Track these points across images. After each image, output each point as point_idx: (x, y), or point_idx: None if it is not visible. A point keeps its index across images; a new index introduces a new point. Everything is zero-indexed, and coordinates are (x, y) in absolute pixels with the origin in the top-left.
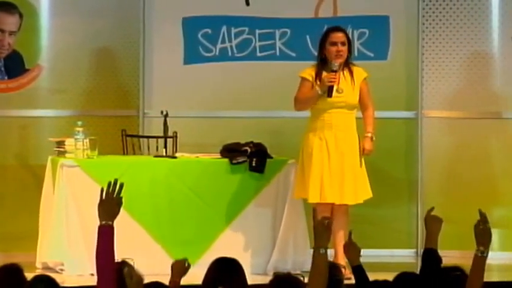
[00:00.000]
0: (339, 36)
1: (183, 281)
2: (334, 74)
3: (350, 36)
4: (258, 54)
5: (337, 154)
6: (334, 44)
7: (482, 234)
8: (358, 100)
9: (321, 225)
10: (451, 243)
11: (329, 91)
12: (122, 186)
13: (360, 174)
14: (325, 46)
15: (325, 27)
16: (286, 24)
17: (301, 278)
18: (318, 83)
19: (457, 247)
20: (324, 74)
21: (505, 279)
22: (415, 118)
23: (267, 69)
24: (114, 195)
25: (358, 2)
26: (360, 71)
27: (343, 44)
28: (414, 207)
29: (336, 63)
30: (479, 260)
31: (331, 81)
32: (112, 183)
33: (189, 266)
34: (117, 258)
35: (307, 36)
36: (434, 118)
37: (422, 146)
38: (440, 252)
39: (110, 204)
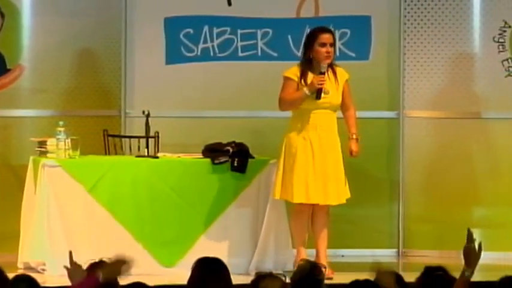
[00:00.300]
0: (328, 37)
1: (167, 280)
2: (323, 76)
3: None
4: (240, 54)
5: (321, 154)
6: (324, 45)
7: (468, 255)
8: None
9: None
10: (432, 243)
11: (318, 93)
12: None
13: (342, 174)
14: (312, 47)
15: (309, 27)
16: (268, 24)
17: (283, 278)
18: (303, 83)
19: (438, 247)
20: (310, 74)
21: (487, 279)
22: (397, 118)
23: (248, 69)
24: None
25: (340, 2)
26: (342, 72)
27: (331, 45)
28: (396, 207)
29: (325, 64)
30: (464, 280)
31: (320, 84)
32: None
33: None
34: (98, 258)
35: (289, 36)
36: (415, 118)
37: (403, 146)
38: (421, 252)
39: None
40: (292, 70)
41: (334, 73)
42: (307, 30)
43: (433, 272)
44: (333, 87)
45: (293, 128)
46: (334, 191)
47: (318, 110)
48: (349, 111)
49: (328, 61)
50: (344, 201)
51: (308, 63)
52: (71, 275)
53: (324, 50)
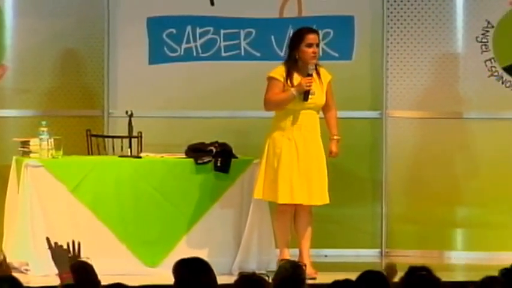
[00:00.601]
0: (314, 37)
1: (150, 280)
2: (311, 77)
3: None
4: (223, 54)
5: (306, 155)
6: (310, 45)
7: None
8: None
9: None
10: (415, 243)
11: (305, 95)
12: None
13: (325, 174)
14: (299, 47)
15: (292, 27)
16: (251, 24)
17: (266, 278)
18: (289, 83)
19: (421, 247)
20: (296, 75)
21: (470, 279)
22: (380, 118)
23: (231, 69)
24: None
25: (322, 2)
26: (325, 73)
27: (317, 45)
28: (378, 207)
29: (312, 66)
30: None
31: (308, 85)
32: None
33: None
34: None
35: (272, 36)
36: (398, 118)
37: (386, 145)
38: (404, 252)
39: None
40: (278, 70)
41: (318, 74)
42: (291, 31)
43: (416, 272)
44: (318, 88)
45: (277, 128)
46: (319, 191)
47: (303, 111)
48: (330, 112)
49: (315, 61)
50: (327, 202)
51: (294, 64)
52: (55, 257)
53: (310, 50)
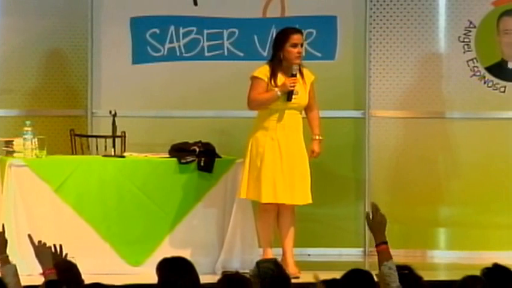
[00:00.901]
0: (299, 37)
1: (134, 280)
2: (295, 78)
3: None
4: (206, 54)
5: (289, 154)
6: (295, 45)
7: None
8: None
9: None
10: (397, 242)
11: (289, 95)
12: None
13: (308, 174)
14: (283, 47)
15: (275, 27)
16: (234, 24)
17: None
18: (273, 83)
19: (403, 246)
20: (280, 76)
21: (452, 278)
22: (363, 118)
23: (215, 69)
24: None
25: (305, 2)
26: (308, 73)
27: (301, 45)
28: (361, 206)
29: (296, 66)
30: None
31: (292, 86)
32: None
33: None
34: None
35: (255, 36)
36: (381, 118)
37: (369, 145)
38: None
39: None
40: (262, 70)
41: (302, 74)
42: (274, 30)
43: (399, 271)
44: (302, 88)
45: (260, 127)
46: (301, 191)
47: (286, 110)
48: (313, 112)
49: (299, 62)
50: (310, 201)
51: (278, 64)
52: (38, 254)
53: (295, 50)
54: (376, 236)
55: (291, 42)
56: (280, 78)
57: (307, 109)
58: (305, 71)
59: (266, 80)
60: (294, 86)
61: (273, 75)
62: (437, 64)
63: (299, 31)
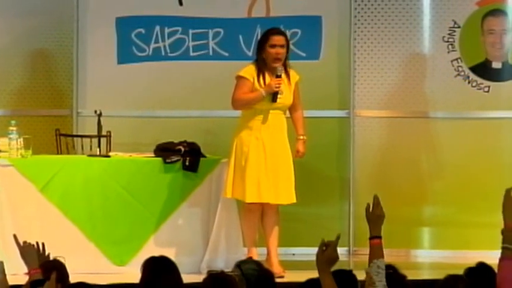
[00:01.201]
0: (279, 39)
1: (119, 279)
2: (280, 79)
3: None
4: (191, 54)
5: (273, 154)
6: (274, 46)
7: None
8: None
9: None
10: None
11: (274, 96)
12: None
13: (292, 174)
14: (264, 48)
15: (260, 27)
16: (219, 24)
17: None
18: (258, 83)
19: (387, 245)
20: (267, 75)
21: (436, 277)
22: (347, 117)
23: (200, 69)
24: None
25: (290, 2)
26: (293, 74)
27: (282, 46)
28: (346, 205)
29: (280, 67)
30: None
31: (277, 87)
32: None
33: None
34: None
35: (240, 36)
36: (366, 117)
37: (354, 145)
38: None
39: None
40: (248, 70)
41: (288, 74)
42: (258, 30)
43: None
44: (286, 88)
45: (244, 127)
46: (285, 190)
47: (271, 110)
48: (297, 112)
49: (278, 64)
50: (294, 201)
51: (263, 64)
52: (23, 254)
53: (273, 51)
54: (372, 228)
55: (270, 42)
56: (266, 78)
57: (292, 109)
58: (291, 71)
59: (251, 79)
60: (278, 87)
61: (260, 75)
62: (421, 64)
63: (280, 32)
